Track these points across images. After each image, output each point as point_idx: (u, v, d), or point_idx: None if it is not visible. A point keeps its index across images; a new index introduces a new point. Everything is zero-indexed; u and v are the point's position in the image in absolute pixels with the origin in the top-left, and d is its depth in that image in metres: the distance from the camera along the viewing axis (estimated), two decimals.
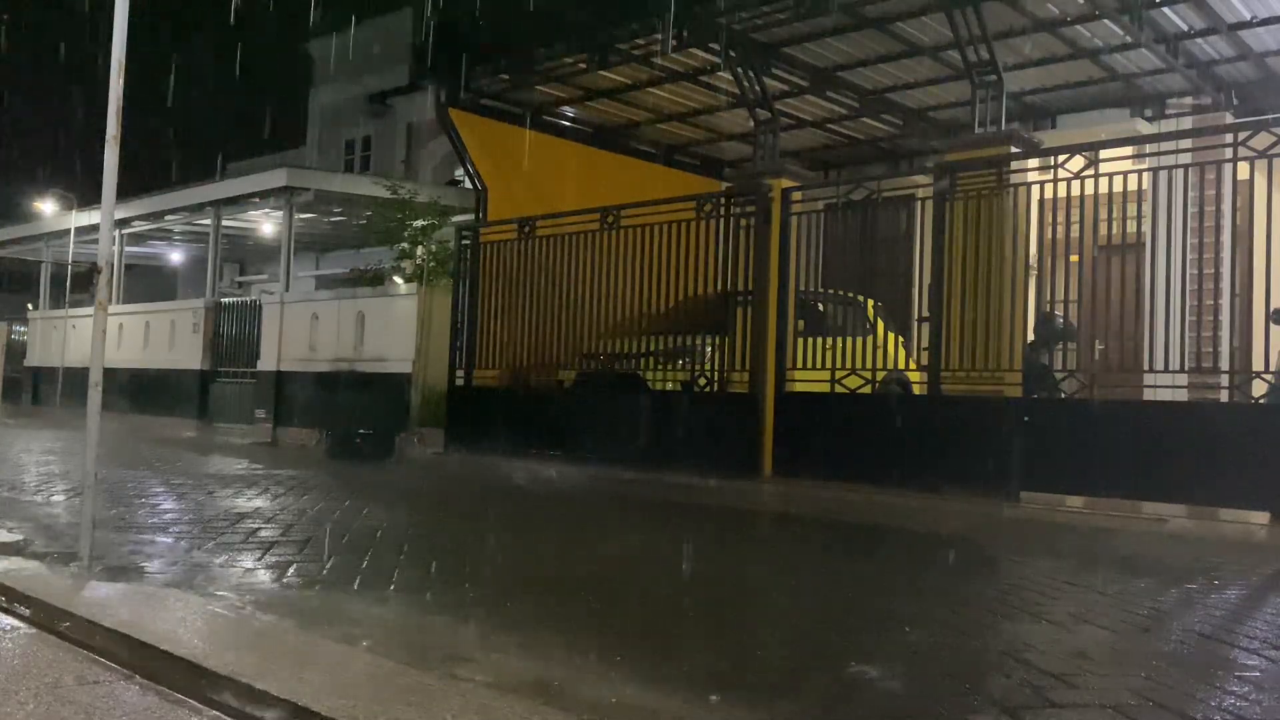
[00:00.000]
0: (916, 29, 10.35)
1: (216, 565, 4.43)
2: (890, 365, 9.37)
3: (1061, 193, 7.49)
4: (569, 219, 10.50)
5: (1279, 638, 3.76)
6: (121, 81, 4.36)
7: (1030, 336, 7.91)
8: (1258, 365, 7.37)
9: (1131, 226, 7.59)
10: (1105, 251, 7.50)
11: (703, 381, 9.31)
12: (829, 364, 8.60)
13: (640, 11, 10.41)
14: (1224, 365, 8.13)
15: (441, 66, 12.25)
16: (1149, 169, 7.51)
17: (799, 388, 8.86)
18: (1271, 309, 6.79)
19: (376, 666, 2.89)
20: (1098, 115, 12.21)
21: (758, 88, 10.51)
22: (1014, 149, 8.35)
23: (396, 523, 6.10)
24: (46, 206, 21.70)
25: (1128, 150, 7.88)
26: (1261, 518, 6.46)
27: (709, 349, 9.36)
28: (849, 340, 8.68)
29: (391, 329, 12.31)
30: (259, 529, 5.47)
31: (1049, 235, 7.74)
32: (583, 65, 11.50)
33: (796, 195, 9.19)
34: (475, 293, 11.30)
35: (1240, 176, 7.23)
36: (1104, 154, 7.44)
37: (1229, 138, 7.04)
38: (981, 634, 3.75)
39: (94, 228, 17.06)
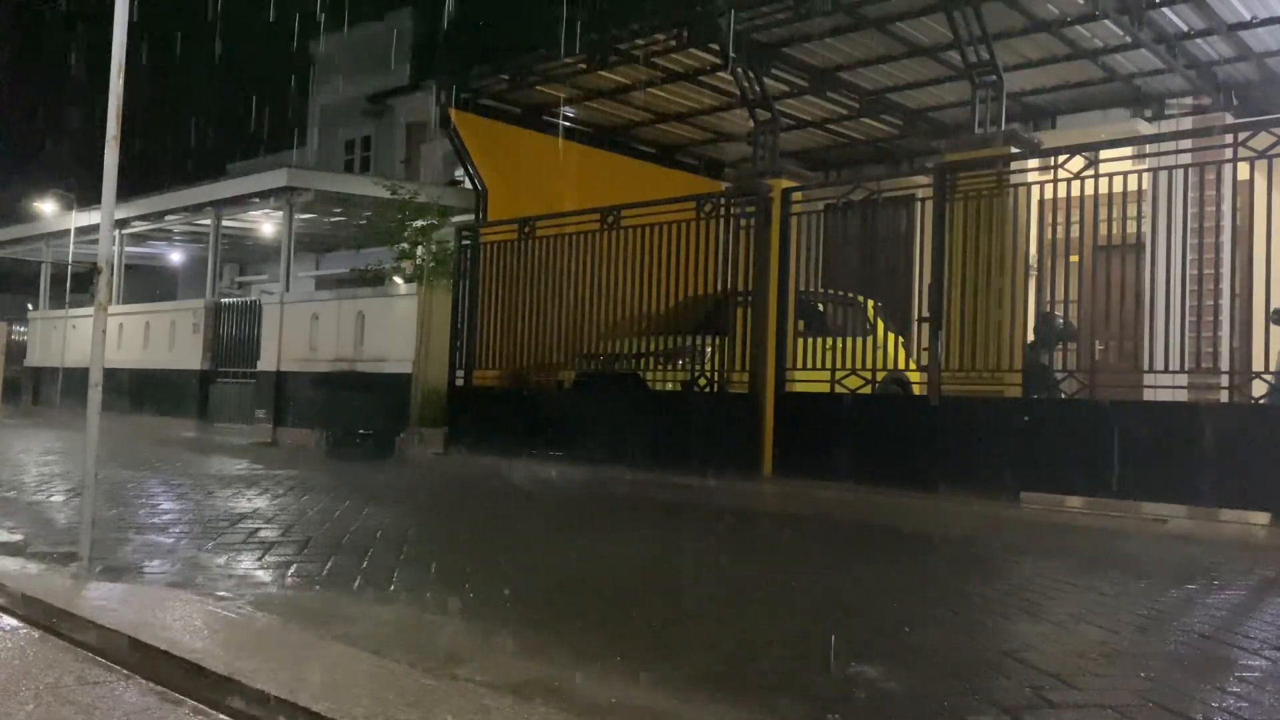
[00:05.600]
0: (916, 29, 10.36)
1: (216, 565, 4.42)
2: (890, 365, 9.38)
3: (1061, 193, 7.49)
4: (569, 219, 10.51)
5: (1279, 638, 3.76)
6: (121, 81, 4.35)
7: (1030, 336, 7.91)
8: (1258, 365, 7.37)
9: (1131, 226, 7.59)
10: (1105, 251, 7.51)
11: (703, 381, 9.31)
12: (829, 364, 8.60)
13: (640, 11, 10.42)
14: (1224, 365, 8.12)
15: (441, 67, 12.26)
16: (1149, 169, 7.51)
17: (799, 388, 8.86)
18: (1271, 309, 6.79)
19: (376, 666, 2.88)
20: (1098, 115, 12.22)
21: (758, 88, 10.51)
22: (1014, 149, 8.36)
23: (396, 523, 6.10)
24: (46, 206, 21.69)
25: (1128, 150, 7.88)
26: (1261, 518, 6.46)
27: (709, 349, 9.36)
28: (849, 340, 8.68)
29: (391, 329, 12.30)
30: (259, 529, 5.47)
31: (1049, 235, 7.74)
32: (583, 65, 11.51)
33: (796, 195, 9.19)
34: (475, 293, 11.30)
35: (1240, 177, 7.23)
36: (1104, 154, 7.45)
37: (1229, 138, 7.04)
38: (981, 634, 3.75)
39: (94, 228, 17.05)
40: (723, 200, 9.59)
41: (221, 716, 2.65)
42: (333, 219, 17.59)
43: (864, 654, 3.26)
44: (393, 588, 4.12)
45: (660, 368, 9.68)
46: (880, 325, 9.15)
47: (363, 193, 15.18)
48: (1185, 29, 10.16)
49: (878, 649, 3.37)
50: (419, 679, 2.77)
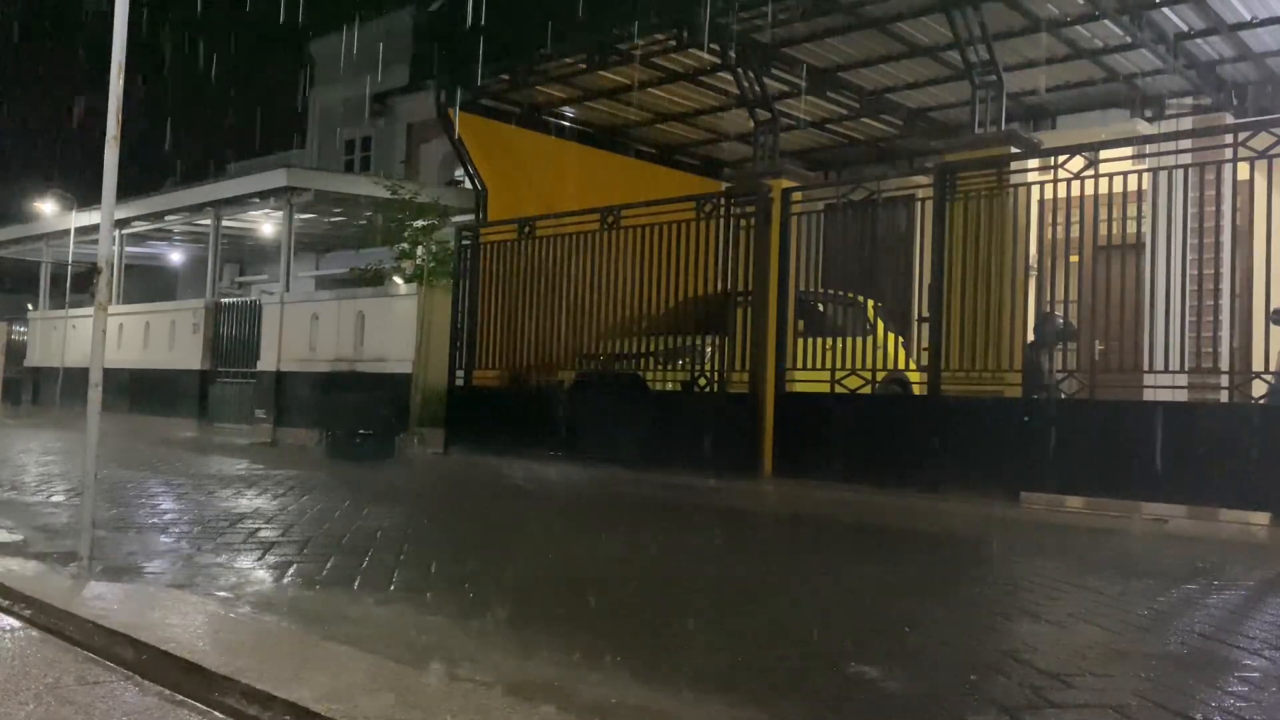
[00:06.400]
0: (916, 29, 10.36)
1: (217, 565, 4.42)
2: (890, 365, 9.38)
3: (1061, 193, 7.49)
4: (569, 219, 10.51)
5: (1279, 638, 3.76)
6: (121, 81, 4.35)
7: (1030, 336, 7.91)
8: (1258, 365, 7.37)
9: (1131, 226, 7.59)
10: (1105, 251, 7.51)
11: (703, 381, 9.31)
12: (829, 364, 8.60)
13: (640, 11, 10.41)
14: (1224, 365, 8.13)
15: (441, 67, 12.25)
16: (1149, 169, 7.51)
17: (799, 388, 8.86)
18: (1271, 309, 6.79)
19: (376, 667, 2.88)
20: (1098, 115, 12.21)
21: (758, 88, 10.51)
22: (1014, 149, 8.35)
23: (396, 523, 6.09)
24: (46, 206, 21.69)
25: (1128, 150, 7.88)
26: (1261, 518, 6.46)
27: (709, 349, 9.36)
28: (849, 340, 8.68)
29: (391, 329, 12.31)
30: (259, 529, 5.47)
31: (1049, 235, 7.74)
32: (583, 65, 11.51)
33: (796, 195, 9.19)
34: (475, 293, 11.31)
35: (1240, 177, 7.23)
36: (1104, 154, 7.44)
37: (1229, 138, 7.04)
38: (981, 634, 3.75)
39: (94, 228, 17.06)
40: (723, 200, 9.59)
41: (221, 716, 2.65)
42: (333, 219, 17.59)
43: (864, 654, 3.26)
44: (393, 588, 4.12)
45: (660, 368, 9.68)
46: (880, 325, 9.15)
47: (363, 193, 15.18)
48: (1185, 29, 10.15)
49: (878, 649, 3.37)
50: (419, 679, 2.78)
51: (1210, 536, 6.47)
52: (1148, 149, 7.88)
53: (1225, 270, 7.86)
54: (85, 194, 19.92)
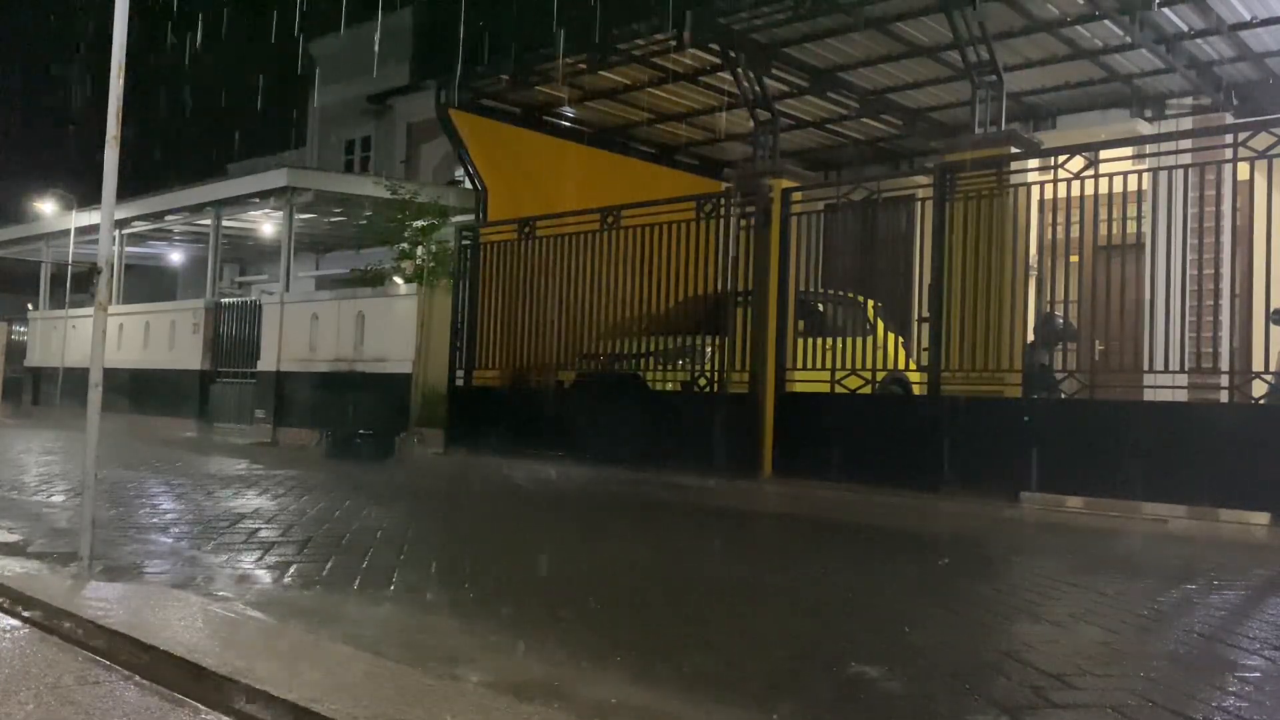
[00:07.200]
0: (916, 29, 10.35)
1: (216, 565, 4.42)
2: (890, 365, 9.38)
3: (1061, 193, 7.49)
4: (569, 219, 10.50)
5: (1279, 638, 3.76)
6: (121, 82, 4.35)
7: (1030, 336, 7.91)
8: (1258, 365, 7.37)
9: (1131, 227, 7.59)
10: (1105, 251, 7.51)
11: (703, 381, 9.31)
12: (829, 364, 8.60)
13: (640, 11, 10.42)
14: (1224, 365, 8.13)
15: (441, 66, 12.25)
16: (1149, 169, 7.51)
17: (799, 388, 8.86)
18: (1271, 309, 6.79)
19: (376, 666, 2.88)
20: (1098, 115, 12.21)
21: (758, 88, 10.51)
22: (1014, 149, 8.35)
23: (396, 523, 6.10)
24: (46, 206, 21.67)
25: (1128, 150, 7.88)
26: (1261, 518, 6.46)
27: (709, 349, 9.36)
28: (849, 340, 8.68)
29: (391, 329, 12.30)
30: (259, 529, 5.47)
31: (1049, 235, 7.74)
32: (583, 65, 11.50)
33: (796, 195, 9.19)
34: (475, 293, 11.30)
35: (1240, 177, 7.23)
36: (1104, 154, 7.44)
37: (1229, 138, 7.04)
38: (981, 634, 3.75)
39: (94, 228, 17.05)
40: (723, 200, 9.59)
41: (221, 716, 2.65)
42: (333, 219, 17.58)
43: (864, 654, 3.26)
44: (393, 588, 4.12)
45: (660, 368, 9.68)
46: (880, 325, 9.15)
47: (363, 193, 15.17)
48: (1185, 29, 10.15)
49: (878, 649, 3.37)
50: (419, 679, 2.78)
51: (1210, 536, 6.47)
52: (1148, 149, 7.89)
53: (1225, 270, 7.86)
54: (85, 194, 19.93)
